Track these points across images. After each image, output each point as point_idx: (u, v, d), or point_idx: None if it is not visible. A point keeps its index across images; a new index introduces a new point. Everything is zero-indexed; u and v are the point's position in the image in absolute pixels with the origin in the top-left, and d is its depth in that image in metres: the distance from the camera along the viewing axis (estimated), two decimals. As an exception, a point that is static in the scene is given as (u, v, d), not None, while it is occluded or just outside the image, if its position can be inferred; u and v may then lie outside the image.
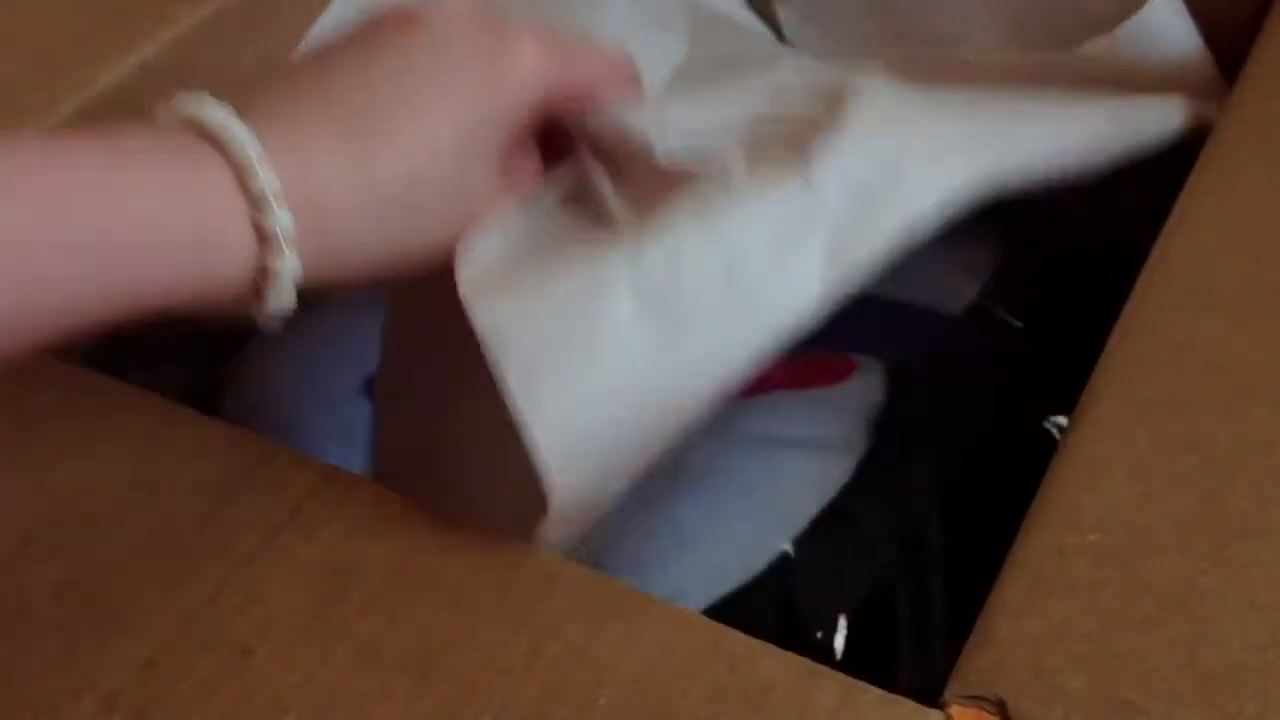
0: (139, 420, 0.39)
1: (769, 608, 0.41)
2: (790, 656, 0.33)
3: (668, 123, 0.39)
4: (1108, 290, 0.50)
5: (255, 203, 0.32)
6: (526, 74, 0.36)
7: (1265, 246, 0.40)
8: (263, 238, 0.32)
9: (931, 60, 0.52)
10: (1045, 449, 0.38)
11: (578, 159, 0.40)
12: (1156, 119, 0.45)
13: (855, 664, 0.34)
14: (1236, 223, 0.41)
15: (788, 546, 0.42)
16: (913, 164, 0.37)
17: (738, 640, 0.33)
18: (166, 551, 0.36)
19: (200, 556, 0.36)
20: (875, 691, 0.32)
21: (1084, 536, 0.34)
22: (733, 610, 0.41)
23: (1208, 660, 0.32)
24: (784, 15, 0.62)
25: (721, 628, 0.34)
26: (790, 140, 0.38)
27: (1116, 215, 0.50)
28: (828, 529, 0.42)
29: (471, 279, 0.36)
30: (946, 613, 0.41)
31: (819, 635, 0.40)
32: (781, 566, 0.42)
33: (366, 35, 0.36)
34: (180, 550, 0.36)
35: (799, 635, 0.41)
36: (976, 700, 0.32)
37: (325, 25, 0.57)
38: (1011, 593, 0.34)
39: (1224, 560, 0.34)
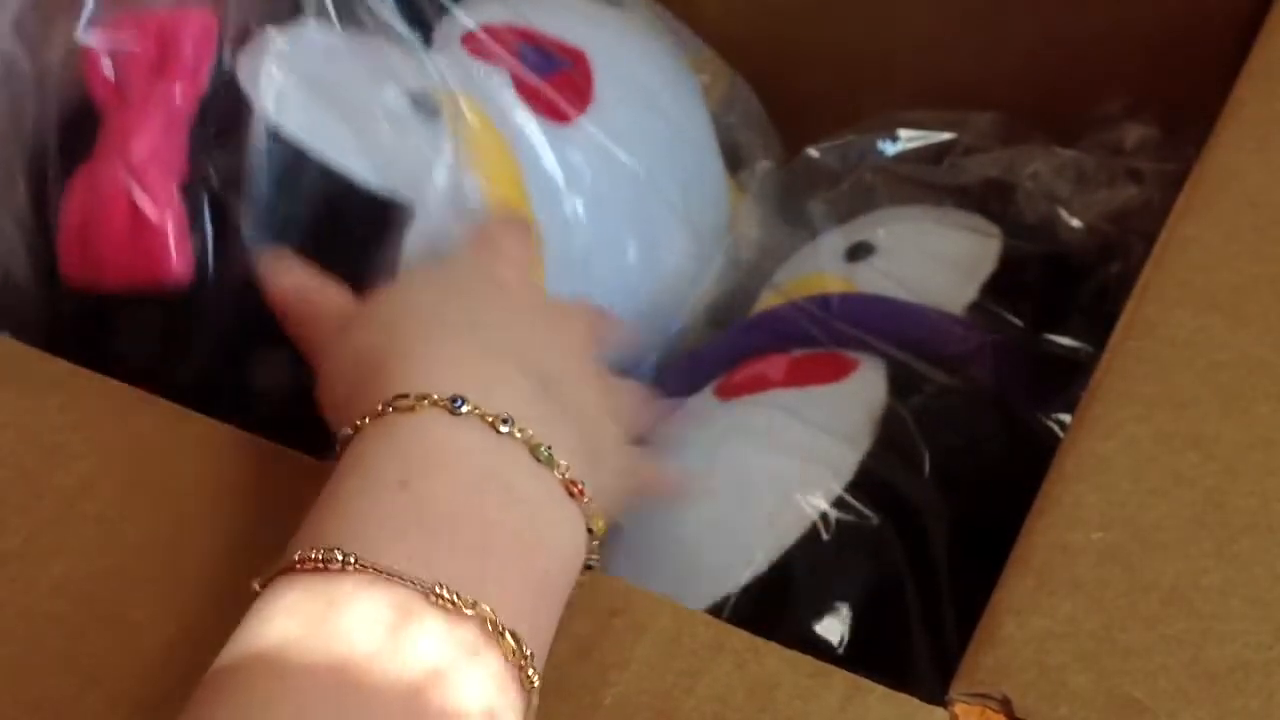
0: (140, 421, 0.39)
1: (772, 606, 0.41)
2: (795, 655, 0.33)
3: None
4: (1108, 289, 0.50)
5: None
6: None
7: (1267, 244, 0.40)
8: None
9: None
10: (1048, 447, 0.38)
11: None
12: None
13: (864, 664, 0.34)
14: (1237, 221, 0.41)
15: (791, 544, 0.42)
16: None
17: (743, 638, 0.33)
18: (168, 553, 0.36)
19: (202, 557, 0.36)
20: (880, 689, 0.32)
21: (1088, 534, 0.34)
22: (736, 608, 0.41)
23: (1212, 658, 0.32)
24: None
25: (726, 626, 0.34)
26: None
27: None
28: (831, 527, 0.42)
29: None
30: (954, 611, 0.41)
31: (822, 634, 0.41)
32: (785, 565, 0.42)
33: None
34: (181, 552, 0.36)
35: (802, 633, 0.41)
36: (981, 698, 0.32)
37: None
38: (1016, 591, 0.34)
39: (1228, 558, 0.34)
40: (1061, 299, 0.50)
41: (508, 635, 0.29)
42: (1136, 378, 0.38)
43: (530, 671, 0.30)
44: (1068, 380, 0.46)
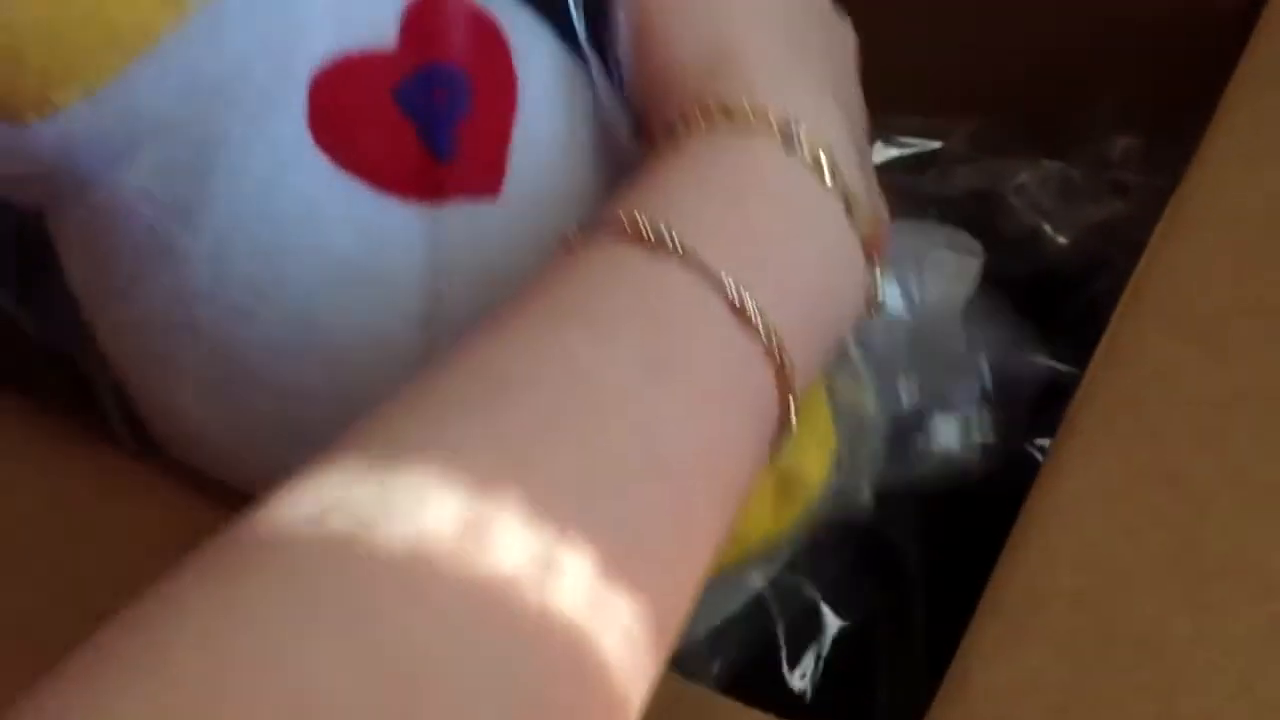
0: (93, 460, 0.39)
1: (744, 647, 0.41)
2: (752, 712, 0.32)
3: None
4: (1093, 305, 0.49)
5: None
6: None
7: (1247, 270, 0.39)
8: None
9: None
10: (1029, 470, 0.37)
11: None
12: None
13: (832, 705, 0.33)
14: (1219, 245, 0.40)
15: (762, 586, 0.41)
16: None
17: (700, 694, 0.33)
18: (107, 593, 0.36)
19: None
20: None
21: (1058, 580, 0.34)
22: (708, 649, 0.41)
23: (1182, 708, 0.31)
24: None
25: (682, 680, 0.33)
26: None
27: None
28: (806, 567, 0.41)
29: None
30: (927, 652, 0.40)
31: (793, 674, 0.40)
32: (757, 605, 0.41)
33: None
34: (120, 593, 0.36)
35: (773, 675, 0.40)
36: (945, 752, 0.31)
37: None
38: (984, 640, 0.33)
39: (1198, 604, 0.33)
40: (1044, 318, 0.49)
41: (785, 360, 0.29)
42: (1112, 409, 0.37)
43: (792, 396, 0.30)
44: (1050, 402, 0.45)
